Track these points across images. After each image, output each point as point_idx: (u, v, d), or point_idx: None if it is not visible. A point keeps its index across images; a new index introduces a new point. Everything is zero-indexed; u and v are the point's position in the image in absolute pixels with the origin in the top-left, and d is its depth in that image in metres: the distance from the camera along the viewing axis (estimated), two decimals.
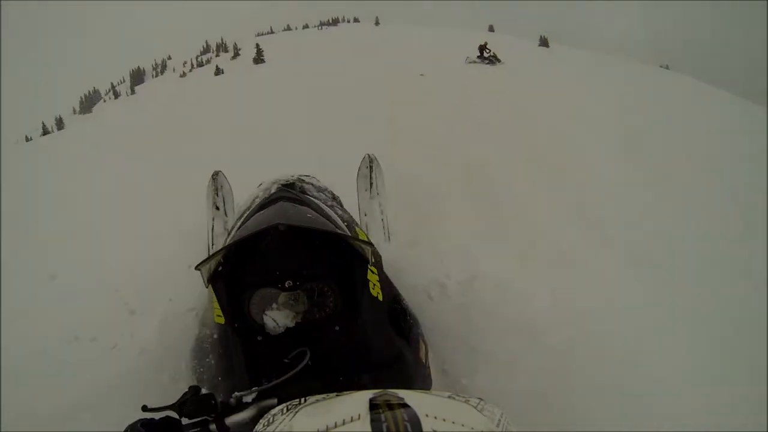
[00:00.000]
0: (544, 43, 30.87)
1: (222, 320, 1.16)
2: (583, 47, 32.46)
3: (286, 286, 1.12)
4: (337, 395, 0.63)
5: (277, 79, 15.24)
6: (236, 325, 1.12)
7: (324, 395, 0.64)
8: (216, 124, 9.65)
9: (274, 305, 1.11)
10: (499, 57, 14.80)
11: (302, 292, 1.12)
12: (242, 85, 16.42)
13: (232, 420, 0.90)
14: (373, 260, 1.23)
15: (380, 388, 0.77)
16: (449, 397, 0.61)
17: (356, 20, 68.77)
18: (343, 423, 0.48)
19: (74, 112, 58.41)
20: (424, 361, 1.41)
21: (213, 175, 2.80)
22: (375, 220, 2.63)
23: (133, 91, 43.66)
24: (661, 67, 29.19)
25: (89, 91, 65.91)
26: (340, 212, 1.81)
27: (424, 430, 0.46)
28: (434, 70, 11.89)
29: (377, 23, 55.90)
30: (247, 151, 6.63)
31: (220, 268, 1.14)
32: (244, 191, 2.18)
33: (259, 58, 28.16)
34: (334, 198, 2.07)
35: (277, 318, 1.09)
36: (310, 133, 6.31)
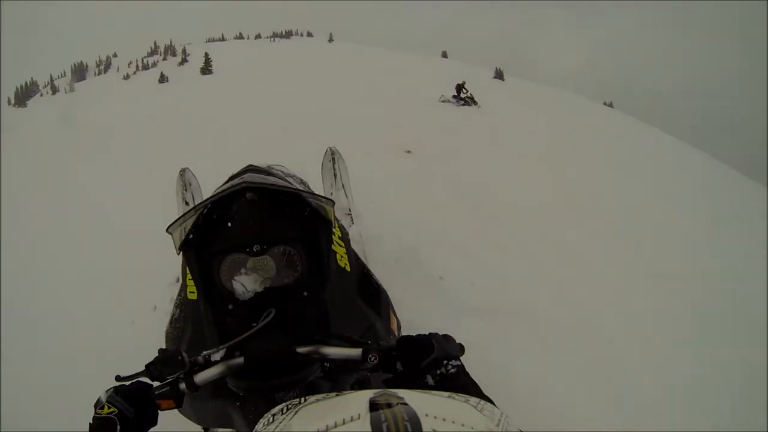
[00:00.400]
0: (499, 75, 31.54)
1: (194, 296, 1.19)
2: (534, 80, 33.04)
3: (254, 250, 1.13)
4: (336, 395, 0.63)
5: (222, 98, 14.99)
6: (207, 293, 1.15)
7: (324, 395, 0.65)
8: (148, 140, 9.61)
9: (243, 270, 1.12)
10: (475, 99, 13.96)
11: (270, 257, 1.14)
12: (185, 99, 16.04)
13: (201, 377, 0.95)
14: (335, 223, 1.27)
15: (352, 346, 1.00)
16: (449, 396, 0.61)
17: (310, 35, 69.51)
18: (343, 423, 0.49)
19: (9, 103, 55.21)
20: (396, 333, 1.49)
21: (180, 172, 2.83)
22: (342, 209, 2.76)
23: (72, 89, 41.58)
24: (604, 104, 30.44)
25: (27, 82, 62.29)
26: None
27: (424, 430, 0.46)
28: (409, 114, 10.03)
29: (331, 40, 56.55)
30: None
31: (191, 236, 1.15)
32: None
33: (206, 68, 27.99)
34: (302, 182, 2.18)
35: (246, 283, 1.11)
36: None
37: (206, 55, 29.11)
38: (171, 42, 56.39)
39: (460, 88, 14.24)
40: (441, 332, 1.00)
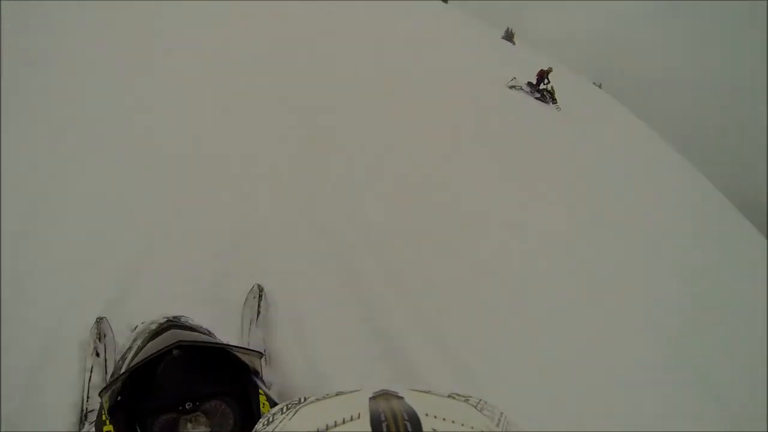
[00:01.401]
0: (508, 36, 30.10)
1: None
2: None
3: (186, 408, 1.08)
4: (336, 394, 0.59)
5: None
6: None
7: (324, 394, 0.61)
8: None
9: (177, 430, 1.07)
10: (555, 96, 11.06)
11: (202, 413, 1.10)
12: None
13: None
14: (260, 372, 1.25)
15: None
16: (449, 396, 0.58)
17: None
18: (343, 422, 0.47)
19: None
20: None
21: (97, 320, 2.51)
22: (259, 348, 2.59)
23: None
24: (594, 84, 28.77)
25: None
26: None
27: (424, 429, 0.45)
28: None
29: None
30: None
31: (119, 398, 1.10)
32: None
33: None
34: (210, 333, 1.97)
35: None
36: None
37: None
38: None
39: (542, 75, 11.10)
40: None
